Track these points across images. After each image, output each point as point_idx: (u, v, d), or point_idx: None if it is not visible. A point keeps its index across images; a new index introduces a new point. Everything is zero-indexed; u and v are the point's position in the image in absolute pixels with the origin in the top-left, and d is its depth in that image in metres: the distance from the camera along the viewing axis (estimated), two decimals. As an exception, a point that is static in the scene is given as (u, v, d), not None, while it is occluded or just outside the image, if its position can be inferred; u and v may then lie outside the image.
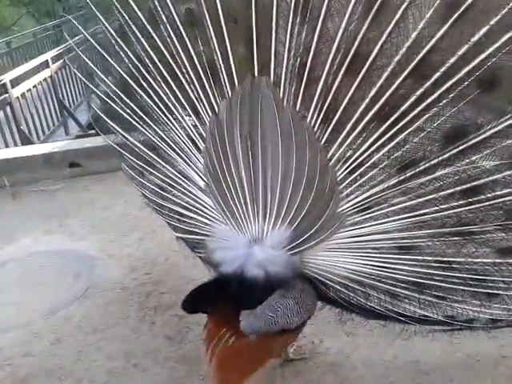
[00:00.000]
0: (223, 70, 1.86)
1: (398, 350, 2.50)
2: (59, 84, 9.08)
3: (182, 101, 2.02)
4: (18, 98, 7.34)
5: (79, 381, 2.61)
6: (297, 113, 1.75)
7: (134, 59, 2.13)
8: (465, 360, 2.42)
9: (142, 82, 2.12)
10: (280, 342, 2.01)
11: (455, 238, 1.75)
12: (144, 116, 2.20)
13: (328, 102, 1.70)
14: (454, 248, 1.77)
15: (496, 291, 1.85)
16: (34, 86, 7.96)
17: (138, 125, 2.24)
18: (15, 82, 7.52)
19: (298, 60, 1.71)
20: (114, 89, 2.29)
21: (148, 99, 2.13)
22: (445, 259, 1.79)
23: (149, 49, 2.05)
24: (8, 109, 7.09)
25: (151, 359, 2.69)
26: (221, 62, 1.86)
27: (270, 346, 1.93)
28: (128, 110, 2.25)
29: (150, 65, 2.06)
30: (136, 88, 2.16)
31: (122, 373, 2.63)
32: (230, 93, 1.86)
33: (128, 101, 2.24)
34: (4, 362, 2.78)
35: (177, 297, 3.13)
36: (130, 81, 2.18)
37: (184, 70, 1.97)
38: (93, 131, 8.83)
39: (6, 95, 7.05)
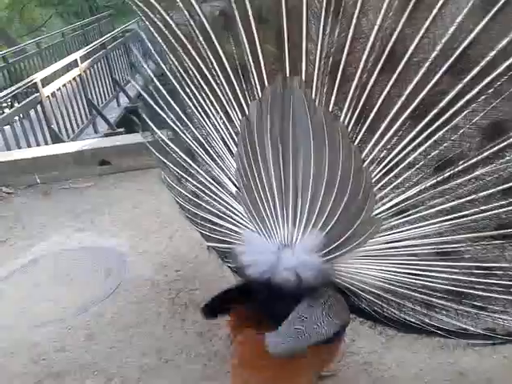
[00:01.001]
0: (253, 70, 1.82)
1: (433, 351, 2.45)
2: (88, 83, 9.20)
3: (215, 104, 1.99)
4: (48, 97, 7.47)
5: (112, 377, 2.63)
6: (329, 113, 1.70)
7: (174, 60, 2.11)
8: (503, 362, 2.36)
9: (182, 82, 2.09)
10: (318, 355, 1.90)
11: (497, 242, 1.67)
12: (184, 117, 2.18)
13: (362, 101, 1.65)
14: (495, 252, 1.68)
15: None
16: (64, 85, 8.10)
17: (174, 125, 2.22)
18: (45, 82, 7.68)
19: (331, 59, 1.67)
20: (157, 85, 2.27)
21: (188, 100, 2.10)
22: (486, 265, 1.70)
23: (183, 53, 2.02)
24: (39, 108, 7.23)
25: (183, 356, 2.71)
26: (251, 62, 1.82)
27: (307, 360, 1.83)
28: (168, 110, 2.25)
29: (189, 66, 2.04)
30: (177, 87, 2.14)
31: (155, 369, 2.65)
32: (260, 94, 1.82)
33: (169, 99, 2.23)
34: (39, 357, 2.83)
35: (207, 294, 3.07)
36: (172, 78, 2.16)
37: (214, 73, 1.94)
38: (121, 129, 8.99)
39: (37, 94, 7.18)
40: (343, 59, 1.65)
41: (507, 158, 1.56)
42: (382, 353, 2.52)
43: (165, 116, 2.26)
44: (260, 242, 1.86)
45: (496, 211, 1.61)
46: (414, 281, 1.77)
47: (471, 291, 1.74)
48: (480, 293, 1.74)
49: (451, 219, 1.67)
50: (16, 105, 7.36)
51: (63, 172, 5.21)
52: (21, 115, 6.84)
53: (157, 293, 3.27)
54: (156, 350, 2.77)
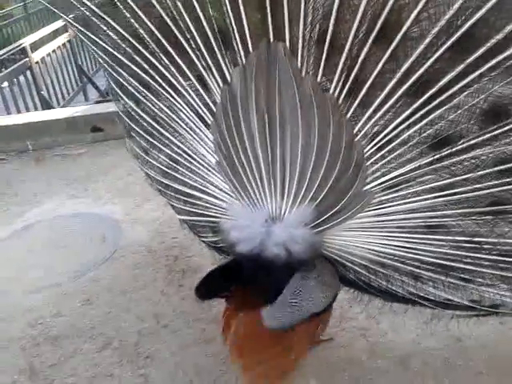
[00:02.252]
0: (236, 34, 1.66)
1: (429, 318, 2.47)
2: (78, 49, 8.99)
3: (186, 71, 1.85)
4: (37, 62, 7.30)
5: (110, 341, 2.64)
6: (318, 84, 1.59)
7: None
8: (499, 327, 2.39)
9: (134, 55, 1.94)
10: (311, 327, 1.95)
11: (488, 217, 1.65)
12: (144, 90, 2.04)
13: (354, 73, 1.54)
14: (485, 227, 1.66)
15: None
16: (54, 51, 7.89)
17: (141, 97, 2.09)
18: (34, 47, 7.49)
19: (317, 27, 1.53)
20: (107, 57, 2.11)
21: (142, 73, 1.96)
22: (475, 239, 1.68)
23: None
24: (28, 73, 7.06)
25: (181, 321, 2.71)
26: (233, 25, 1.66)
27: (301, 333, 1.85)
28: (127, 81, 2.10)
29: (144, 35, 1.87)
30: (125, 61, 1.99)
31: (153, 333, 2.66)
32: (243, 60, 1.67)
33: (122, 71, 2.07)
34: (36, 321, 2.83)
35: (204, 260, 3.12)
36: (115, 53, 2.00)
37: (189, 36, 1.77)
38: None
39: (26, 59, 7.01)
40: (330, 28, 1.51)
41: (507, 140, 1.51)
42: (379, 318, 2.54)
43: (126, 84, 2.13)
44: (247, 216, 1.81)
45: (490, 190, 1.59)
46: (402, 253, 1.76)
47: (459, 265, 1.74)
48: (468, 266, 1.74)
49: (444, 195, 1.64)
50: (4, 70, 7.16)
51: (55, 138, 5.13)
52: (10, 81, 6.68)
53: (153, 259, 3.26)
54: (154, 315, 2.78)
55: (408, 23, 1.43)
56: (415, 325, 2.46)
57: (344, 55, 1.53)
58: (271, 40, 1.59)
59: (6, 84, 6.64)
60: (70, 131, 5.16)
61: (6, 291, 3.12)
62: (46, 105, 7.12)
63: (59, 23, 8.62)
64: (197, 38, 1.76)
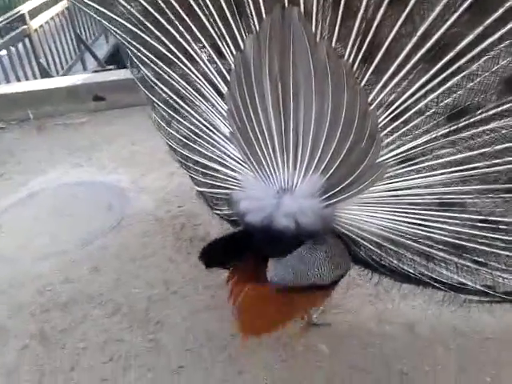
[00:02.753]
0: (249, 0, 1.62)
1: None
2: (76, 17, 8.84)
3: (201, 39, 1.81)
4: (36, 30, 7.18)
5: (119, 307, 2.65)
6: (333, 50, 1.54)
7: None
8: None
9: (148, 23, 1.91)
10: (310, 299, 1.94)
11: (506, 196, 1.59)
12: (158, 60, 2.02)
13: (369, 38, 1.49)
14: (503, 206, 1.60)
15: None
16: (52, 19, 7.78)
17: (158, 69, 2.06)
18: (33, 14, 7.35)
19: None
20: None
21: (155, 42, 1.94)
22: (491, 218, 1.62)
23: None
24: (27, 41, 6.96)
25: (191, 287, 2.73)
26: None
27: (300, 301, 1.88)
28: (144, 53, 2.07)
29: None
30: (143, 29, 1.96)
31: (162, 299, 2.67)
32: (257, 27, 1.62)
33: (142, 40, 2.03)
34: (44, 288, 2.84)
35: (211, 229, 3.13)
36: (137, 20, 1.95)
37: (202, 3, 1.74)
38: (111, 66, 8.73)
39: (25, 27, 6.90)
40: None
41: None
42: (387, 285, 2.55)
43: (143, 51, 2.08)
44: (258, 186, 1.80)
45: (509, 166, 1.53)
46: (414, 231, 1.72)
47: (473, 245, 1.69)
48: (482, 247, 1.68)
49: (460, 170, 1.58)
50: (2, 38, 7.05)
51: (57, 107, 5.07)
52: (8, 49, 6.58)
53: (161, 227, 3.27)
54: (163, 282, 2.79)
55: None
56: (423, 292, 2.48)
57: (359, 18, 1.48)
58: (285, 5, 1.55)
59: (4, 52, 6.54)
60: (72, 100, 5.10)
61: (14, 259, 3.12)
62: (45, 73, 7.04)
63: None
64: (209, 4, 1.73)
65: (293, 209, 1.70)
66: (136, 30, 1.98)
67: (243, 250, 1.82)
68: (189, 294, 2.69)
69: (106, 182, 3.89)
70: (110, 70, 7.83)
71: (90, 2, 2.09)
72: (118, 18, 2.02)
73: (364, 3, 1.46)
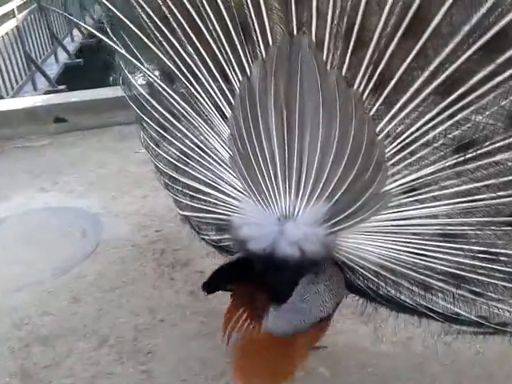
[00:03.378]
0: (256, 27, 1.63)
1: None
2: (26, 35, 8.57)
3: (208, 62, 1.81)
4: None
5: (106, 338, 2.56)
6: (343, 79, 1.55)
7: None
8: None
9: (160, 37, 1.90)
10: (315, 333, 1.91)
11: (507, 228, 1.60)
12: (163, 77, 2.01)
13: (380, 68, 1.51)
14: (504, 239, 1.61)
15: None
16: (2, 37, 7.51)
17: (158, 86, 2.03)
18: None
19: (345, 20, 1.49)
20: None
21: (166, 59, 1.92)
22: (492, 250, 1.63)
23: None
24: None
25: (178, 315, 2.67)
26: (253, 17, 1.64)
27: (301, 343, 1.81)
28: (145, 69, 2.07)
29: (170, 19, 1.83)
30: (151, 46, 1.94)
31: (150, 328, 2.60)
32: (264, 53, 1.64)
33: (144, 59, 2.05)
34: (21, 322, 2.70)
35: (192, 253, 3.09)
36: (143, 36, 1.95)
37: (211, 27, 1.74)
38: (63, 86, 8.53)
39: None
40: (358, 20, 1.48)
41: None
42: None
43: (144, 72, 2.08)
44: (259, 213, 1.77)
45: None
46: (415, 260, 1.72)
47: (472, 275, 1.70)
48: (481, 278, 1.70)
49: (465, 202, 1.59)
50: None
51: (16, 129, 4.88)
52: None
53: (139, 253, 3.19)
54: (149, 310, 2.72)
55: (438, 18, 1.40)
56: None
57: (371, 49, 1.49)
58: (293, 32, 1.56)
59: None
60: (31, 122, 4.93)
61: (-16, 291, 2.96)
62: (-4, 94, 6.77)
63: (6, 8, 8.17)
64: (217, 28, 1.73)
65: (297, 236, 1.67)
66: (150, 44, 1.95)
67: (243, 277, 1.79)
68: (177, 322, 2.63)
69: (76, 207, 3.76)
70: (62, 90, 7.68)
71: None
72: (131, 25, 1.98)
73: (376, 35, 1.47)
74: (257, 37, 1.65)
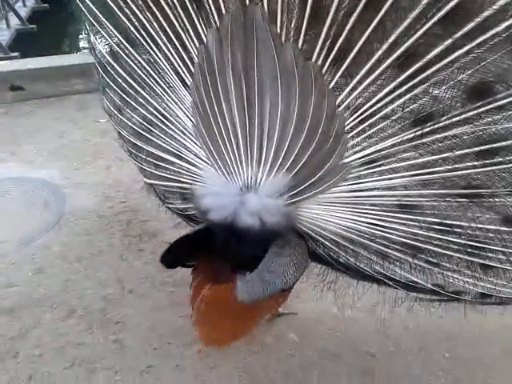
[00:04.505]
0: None
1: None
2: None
3: (167, 29, 1.78)
4: None
5: (74, 309, 2.54)
6: (300, 52, 1.53)
7: None
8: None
9: (121, 3, 1.86)
10: (272, 302, 1.99)
11: (462, 200, 1.64)
12: (126, 42, 1.96)
13: (340, 42, 1.49)
14: (458, 211, 1.66)
15: (493, 263, 1.75)
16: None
17: (120, 51, 1.99)
18: None
19: None
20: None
21: (128, 23, 1.88)
22: (447, 222, 1.68)
23: None
24: None
25: (147, 285, 2.68)
26: None
27: (263, 307, 1.91)
28: (108, 32, 2.03)
29: None
30: (114, 11, 1.90)
31: (119, 299, 2.60)
32: (218, 23, 1.61)
33: (106, 21, 2.00)
34: (-16, 294, 2.65)
35: (160, 224, 3.09)
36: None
37: None
38: (16, 53, 8.19)
39: None
40: None
41: (489, 119, 1.50)
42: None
43: (104, 34, 2.04)
44: (221, 182, 1.78)
45: (468, 171, 1.58)
46: (373, 231, 1.76)
47: (428, 246, 1.75)
48: (436, 249, 1.75)
49: (421, 174, 1.63)
50: None
51: (-31, 97, 4.68)
52: None
53: (105, 224, 3.16)
54: (117, 280, 2.71)
55: None
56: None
57: (328, 23, 1.48)
58: (247, 2, 1.53)
59: None
60: (-15, 90, 4.73)
61: None
62: None
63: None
64: None
65: (257, 207, 1.69)
66: (113, 8, 1.90)
67: (206, 247, 1.82)
68: (146, 292, 2.64)
69: (37, 177, 3.66)
70: (16, 57, 7.37)
71: None
72: None
73: (332, 11, 1.46)
74: (209, 5, 1.61)
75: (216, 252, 1.80)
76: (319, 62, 1.54)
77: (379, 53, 1.48)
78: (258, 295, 1.71)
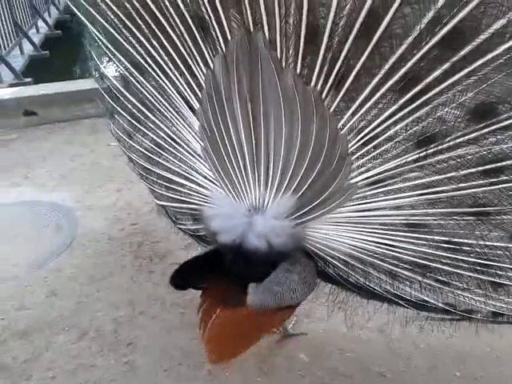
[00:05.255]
0: (214, 23, 1.64)
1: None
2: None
3: (174, 57, 1.82)
4: None
5: (86, 331, 2.56)
6: (299, 77, 1.57)
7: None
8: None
9: (128, 35, 1.91)
10: (277, 318, 2.00)
11: (469, 218, 1.65)
12: (135, 70, 2.01)
13: (337, 68, 1.52)
14: (466, 229, 1.67)
15: (503, 281, 1.75)
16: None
17: (131, 78, 2.05)
18: None
19: (293, 18, 1.49)
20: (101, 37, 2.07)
21: (136, 53, 1.93)
22: (455, 240, 1.69)
23: None
24: None
25: (158, 307, 2.69)
26: (210, 14, 1.63)
27: (268, 320, 1.92)
28: (118, 61, 2.09)
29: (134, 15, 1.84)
30: (122, 41, 1.95)
31: (130, 320, 2.62)
32: (224, 49, 1.65)
33: (116, 51, 2.05)
34: (-2, 317, 2.68)
35: (170, 245, 3.12)
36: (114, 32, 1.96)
37: (173, 22, 1.75)
38: (29, 79, 8.32)
39: None
40: (304, 19, 1.48)
41: (493, 139, 1.51)
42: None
43: (117, 64, 2.10)
44: (230, 205, 1.81)
45: (474, 190, 1.59)
46: (382, 250, 1.77)
47: (437, 265, 1.76)
48: (445, 267, 1.76)
49: (427, 194, 1.64)
50: None
51: (-17, 123, 4.79)
52: None
53: (116, 246, 3.19)
54: (128, 302, 2.73)
55: (387, 20, 1.41)
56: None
57: (322, 50, 1.51)
58: (251, 29, 1.57)
59: None
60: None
61: (-43, 287, 2.91)
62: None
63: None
64: (179, 24, 1.73)
65: (264, 229, 1.73)
66: (116, 35, 1.96)
67: (214, 270, 1.84)
68: (157, 314, 2.66)
69: (50, 201, 3.72)
70: (29, 83, 7.50)
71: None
72: (100, 18, 1.99)
73: (326, 36, 1.48)
74: (215, 32, 1.65)
75: (225, 274, 1.83)
76: (318, 87, 1.57)
77: (377, 78, 1.51)
78: (267, 303, 1.75)
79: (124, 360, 2.39)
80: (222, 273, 1.84)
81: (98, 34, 2.06)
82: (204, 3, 1.62)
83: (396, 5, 1.38)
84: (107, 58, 2.17)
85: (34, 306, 2.75)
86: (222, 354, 1.91)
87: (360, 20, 1.42)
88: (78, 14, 2.11)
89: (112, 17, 1.91)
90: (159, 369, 2.34)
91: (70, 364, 2.38)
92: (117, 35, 1.94)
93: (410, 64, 1.45)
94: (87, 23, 2.09)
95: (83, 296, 2.80)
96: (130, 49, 1.93)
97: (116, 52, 2.04)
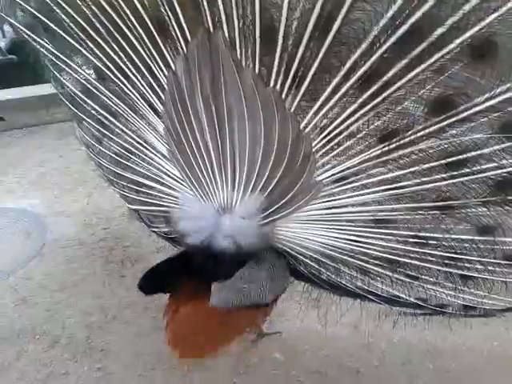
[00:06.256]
0: (174, 24, 1.62)
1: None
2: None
3: (135, 59, 1.78)
4: None
5: (57, 339, 2.52)
6: (258, 77, 1.56)
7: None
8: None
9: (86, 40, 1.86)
10: (249, 318, 2.01)
11: (434, 212, 1.66)
12: (95, 75, 1.97)
13: (294, 68, 1.52)
14: (432, 223, 1.68)
15: (472, 273, 1.77)
16: None
17: (89, 85, 2.00)
18: None
19: (249, 18, 1.49)
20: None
21: (93, 58, 1.87)
22: (422, 234, 1.71)
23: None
24: None
25: (130, 311, 2.66)
26: (170, 15, 1.61)
27: (239, 321, 1.92)
28: (74, 69, 2.02)
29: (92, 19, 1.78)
30: (77, 46, 1.89)
31: (102, 326, 2.58)
32: (185, 49, 1.63)
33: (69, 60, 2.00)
34: (-35, 326, 2.61)
35: (142, 249, 3.09)
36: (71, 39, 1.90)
37: (131, 25, 1.71)
38: (13, 56, 8.15)
39: None
40: (257, 19, 1.48)
41: (453, 132, 1.51)
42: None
43: (73, 71, 2.03)
44: (197, 205, 1.80)
45: (437, 184, 1.60)
46: (351, 247, 1.78)
47: (406, 260, 1.77)
48: (414, 262, 1.76)
49: (392, 189, 1.65)
50: None
51: None
52: None
53: (87, 252, 3.15)
54: (100, 308, 2.69)
55: (337, 24, 1.42)
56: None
57: (278, 51, 1.50)
58: (211, 30, 1.55)
59: None
60: (-36, 121, 4.72)
61: None
62: None
63: None
64: (137, 26, 1.70)
65: (232, 229, 1.72)
66: (74, 43, 1.89)
67: (184, 272, 1.80)
68: (130, 319, 2.63)
69: (19, 207, 3.65)
70: (12, 60, 7.37)
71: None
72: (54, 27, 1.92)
73: (280, 37, 1.48)
74: (176, 34, 1.63)
75: (194, 276, 1.78)
76: (278, 86, 1.56)
77: (337, 78, 1.50)
78: (230, 302, 1.73)
79: (97, 366, 2.36)
80: (192, 275, 1.82)
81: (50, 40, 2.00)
82: (163, 4, 1.59)
83: (346, 8, 1.38)
84: (61, 68, 2.08)
85: (3, 314, 2.69)
86: (184, 348, 1.88)
87: (312, 22, 1.42)
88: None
89: (68, 21, 1.85)
90: (133, 374, 2.31)
91: (41, 373, 2.34)
92: (72, 41, 1.89)
93: (368, 63, 1.45)
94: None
95: (54, 303, 2.75)
96: (89, 56, 1.89)
97: (69, 62, 1.99)
